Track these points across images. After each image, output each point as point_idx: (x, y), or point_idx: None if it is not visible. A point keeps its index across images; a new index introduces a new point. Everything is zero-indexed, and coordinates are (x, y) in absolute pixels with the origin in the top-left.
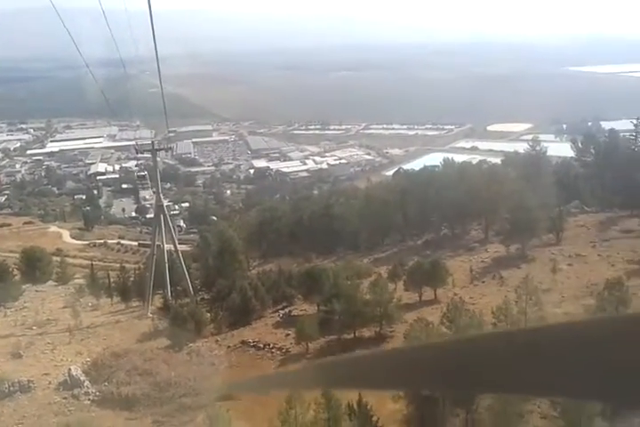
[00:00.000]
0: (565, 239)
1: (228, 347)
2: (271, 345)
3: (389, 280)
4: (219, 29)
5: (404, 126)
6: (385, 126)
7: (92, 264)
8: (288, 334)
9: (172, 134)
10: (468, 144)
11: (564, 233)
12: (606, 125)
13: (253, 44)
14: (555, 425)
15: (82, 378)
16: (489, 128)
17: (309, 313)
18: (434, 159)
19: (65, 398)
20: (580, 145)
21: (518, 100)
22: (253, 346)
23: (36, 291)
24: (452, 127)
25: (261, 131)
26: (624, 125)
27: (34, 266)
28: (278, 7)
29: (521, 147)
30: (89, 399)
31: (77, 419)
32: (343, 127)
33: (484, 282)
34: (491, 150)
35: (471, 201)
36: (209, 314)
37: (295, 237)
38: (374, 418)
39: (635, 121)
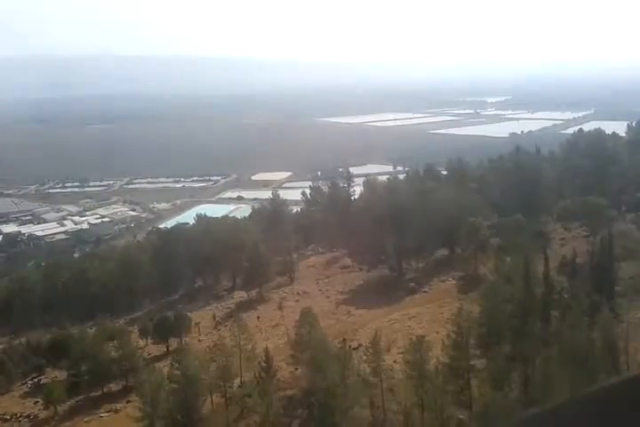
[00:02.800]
0: (297, 279)
1: None
2: (18, 414)
3: (141, 336)
4: None
5: (171, 179)
6: (150, 180)
7: None
8: (37, 402)
9: None
10: (234, 194)
11: (296, 274)
12: (355, 171)
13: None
14: None
15: None
16: (253, 178)
17: (59, 379)
18: (202, 211)
19: None
20: (308, 196)
21: (280, 150)
22: (2, 419)
23: None
24: (219, 178)
25: (9, 192)
26: (369, 169)
27: None
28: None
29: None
30: None
31: None
32: (105, 183)
33: (226, 326)
34: (256, 199)
35: (220, 253)
36: None
37: (49, 306)
38: None
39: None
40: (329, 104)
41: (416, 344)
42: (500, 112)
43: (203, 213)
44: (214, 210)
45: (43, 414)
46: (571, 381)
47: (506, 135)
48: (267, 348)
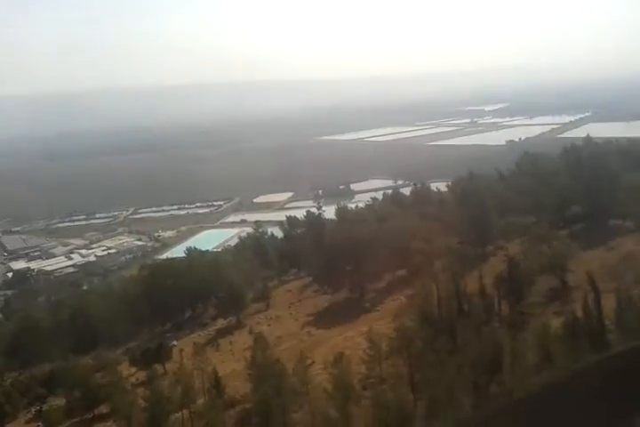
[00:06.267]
0: (273, 305)
1: None
2: None
3: (131, 364)
4: None
5: (175, 207)
6: (155, 209)
7: None
8: (39, 426)
9: None
10: (237, 217)
11: (273, 299)
12: (355, 187)
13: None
14: None
15: None
16: (255, 200)
17: (58, 405)
18: (207, 236)
19: None
20: (286, 226)
21: (280, 171)
22: None
23: None
24: (221, 203)
25: (18, 228)
26: (371, 185)
27: None
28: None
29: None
30: None
31: None
32: (110, 215)
33: (205, 351)
34: (259, 221)
35: (204, 284)
36: None
37: (55, 340)
38: None
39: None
40: (327, 122)
41: (337, 359)
42: (497, 120)
43: (203, 239)
44: (218, 235)
45: None
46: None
47: (502, 143)
48: (214, 369)
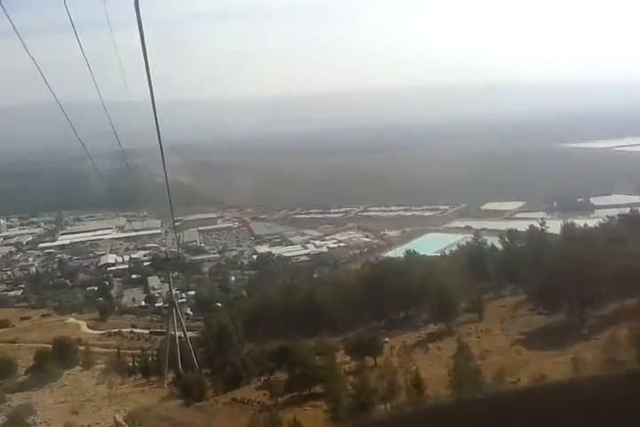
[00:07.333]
0: (485, 317)
1: (223, 403)
2: (252, 400)
3: (345, 353)
4: (217, 118)
5: (402, 208)
6: (383, 208)
7: (118, 350)
8: (265, 394)
9: (178, 223)
10: (462, 224)
11: (485, 312)
12: (596, 201)
13: (253, 131)
14: None
15: (123, 423)
16: (482, 207)
17: (281, 379)
18: (430, 239)
19: None
20: (505, 239)
21: (512, 178)
22: (240, 401)
23: (68, 374)
24: (447, 207)
25: (264, 216)
26: (615, 200)
27: (63, 354)
28: (274, 89)
29: (513, 225)
30: None
31: None
32: (343, 210)
33: (414, 352)
34: (484, 229)
35: (421, 288)
36: (209, 383)
37: (285, 321)
38: None
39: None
40: (564, 128)
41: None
42: None
43: (425, 242)
44: (440, 239)
45: (268, 402)
46: None
47: None
48: (418, 370)
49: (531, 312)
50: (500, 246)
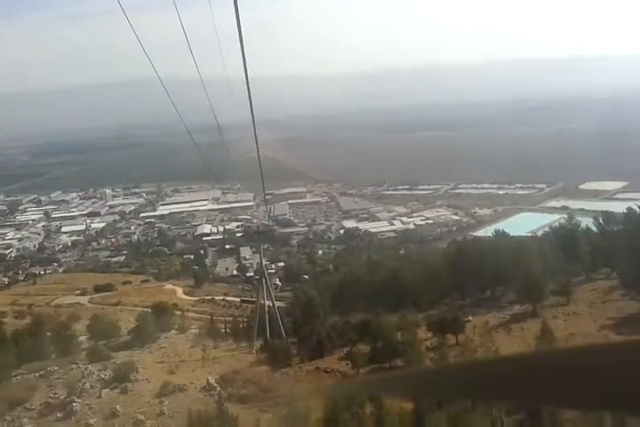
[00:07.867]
0: (573, 301)
1: (307, 371)
2: (335, 370)
3: (428, 329)
4: (309, 94)
5: (494, 186)
6: (474, 186)
7: (211, 316)
8: (347, 364)
9: (269, 197)
10: (558, 203)
11: (574, 295)
12: None
13: (343, 106)
14: None
15: (215, 385)
16: (581, 187)
17: (364, 351)
18: (523, 219)
19: (205, 395)
20: (601, 221)
21: (614, 156)
22: (323, 370)
23: (165, 337)
24: (543, 186)
25: (351, 192)
26: None
27: (161, 318)
28: (369, 65)
29: (613, 206)
30: (220, 397)
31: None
32: (431, 187)
33: (497, 332)
34: (582, 210)
35: (508, 268)
36: (295, 351)
37: (369, 295)
38: None
39: None
40: None
41: None
42: None
43: (517, 222)
44: (534, 219)
45: (350, 373)
46: None
47: None
48: (498, 350)
49: (623, 297)
50: (594, 228)
